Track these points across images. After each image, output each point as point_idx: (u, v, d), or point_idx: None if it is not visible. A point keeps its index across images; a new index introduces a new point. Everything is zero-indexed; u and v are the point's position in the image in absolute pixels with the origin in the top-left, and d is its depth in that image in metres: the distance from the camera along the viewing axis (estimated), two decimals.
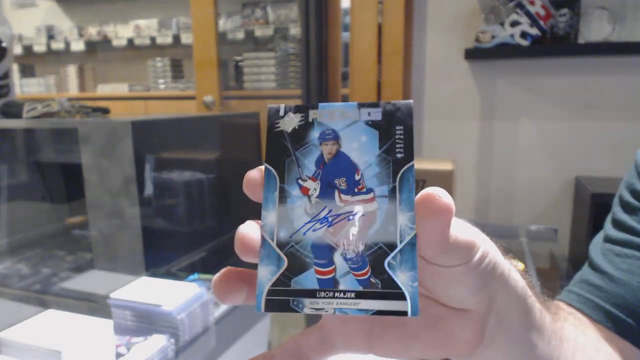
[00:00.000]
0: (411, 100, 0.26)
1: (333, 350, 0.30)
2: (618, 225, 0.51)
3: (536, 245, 1.67)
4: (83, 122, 1.21)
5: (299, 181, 0.25)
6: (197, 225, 1.39)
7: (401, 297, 0.23)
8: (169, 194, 1.30)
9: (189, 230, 1.36)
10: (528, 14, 1.83)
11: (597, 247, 0.52)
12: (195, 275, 1.02)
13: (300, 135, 0.26)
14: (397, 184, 0.24)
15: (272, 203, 0.25)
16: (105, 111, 1.42)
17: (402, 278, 0.23)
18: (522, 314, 0.30)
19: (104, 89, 3.55)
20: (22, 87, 3.67)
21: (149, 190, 1.18)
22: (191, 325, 0.85)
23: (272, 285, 0.23)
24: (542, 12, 1.82)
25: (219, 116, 2.06)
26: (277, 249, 0.24)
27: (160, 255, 1.23)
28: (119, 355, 0.76)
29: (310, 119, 0.26)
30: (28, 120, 1.32)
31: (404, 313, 0.23)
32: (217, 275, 0.25)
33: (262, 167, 0.25)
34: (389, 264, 0.23)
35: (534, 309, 0.31)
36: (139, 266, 1.15)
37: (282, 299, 0.23)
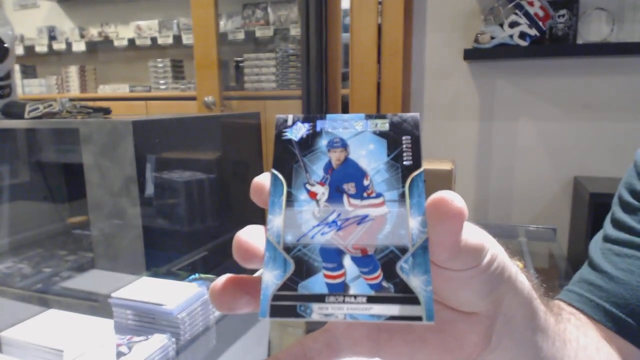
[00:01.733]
0: (417, 113, 0.26)
1: (339, 354, 0.29)
2: (617, 225, 0.51)
3: (535, 245, 1.68)
4: (84, 123, 1.21)
5: (307, 186, 0.25)
6: (198, 225, 1.40)
7: (415, 301, 0.22)
8: (169, 193, 1.31)
9: (189, 230, 1.37)
10: (527, 14, 1.84)
11: (596, 247, 0.52)
12: (196, 275, 1.03)
13: (308, 142, 0.26)
14: (406, 189, 0.24)
15: (279, 207, 0.24)
16: (107, 111, 1.43)
17: (415, 282, 0.22)
18: (528, 317, 0.30)
19: (105, 90, 3.56)
20: (24, 88, 3.68)
21: (149, 190, 1.19)
22: (192, 325, 0.86)
23: (278, 290, 0.22)
24: (541, 13, 1.83)
25: (220, 116, 2.07)
26: (284, 253, 0.23)
27: (161, 254, 1.24)
28: (120, 354, 0.76)
29: (318, 129, 0.26)
30: (30, 121, 1.33)
31: (419, 318, 0.22)
32: (215, 283, 0.24)
33: (269, 173, 0.25)
34: (401, 267, 0.22)
35: (539, 311, 0.31)
36: (139, 266, 1.16)
37: (288, 305, 0.22)
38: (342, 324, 0.30)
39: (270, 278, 0.23)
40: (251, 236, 0.23)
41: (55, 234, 1.56)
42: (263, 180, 0.25)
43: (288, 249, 0.23)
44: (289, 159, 0.25)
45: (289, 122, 0.26)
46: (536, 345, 0.31)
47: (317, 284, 0.23)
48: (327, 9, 2.02)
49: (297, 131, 0.26)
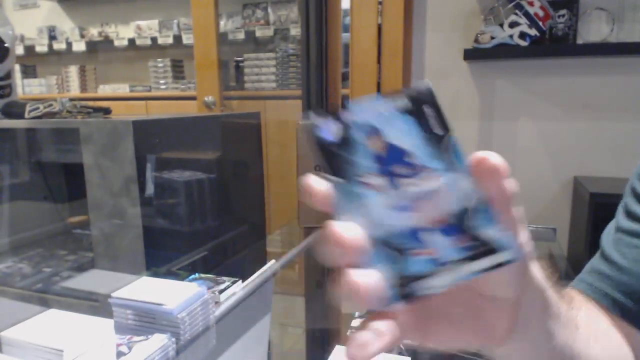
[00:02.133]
0: (429, 81, 0.28)
1: (399, 339, 0.31)
2: (630, 215, 0.53)
3: (535, 245, 1.68)
4: (84, 122, 1.21)
5: (362, 180, 0.25)
6: (198, 224, 1.40)
7: (500, 248, 0.25)
8: (169, 193, 1.31)
9: (189, 230, 1.37)
10: (527, 14, 1.84)
11: (608, 237, 0.54)
12: (196, 275, 1.03)
13: (344, 139, 0.26)
14: (448, 155, 0.26)
15: (346, 206, 0.25)
16: (107, 111, 1.43)
17: (491, 233, 0.25)
18: (543, 305, 0.32)
19: (105, 90, 3.56)
20: (24, 88, 3.68)
21: (149, 189, 1.19)
22: (192, 325, 0.86)
23: (391, 280, 0.24)
24: (541, 13, 1.83)
25: (220, 116, 2.07)
26: (374, 247, 0.25)
27: (161, 254, 1.24)
28: (120, 354, 0.76)
29: (346, 121, 0.26)
30: (30, 121, 1.33)
31: (510, 261, 0.25)
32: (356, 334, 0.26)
33: (320, 177, 0.26)
34: (475, 225, 0.25)
35: (553, 299, 0.33)
36: (139, 265, 1.16)
37: (406, 291, 0.25)
38: (400, 312, 0.31)
39: (379, 273, 0.24)
40: (354, 231, 0.24)
41: (55, 233, 1.56)
42: (318, 184, 0.25)
43: (373, 242, 0.25)
44: (334, 159, 0.26)
45: (319, 124, 0.27)
46: (550, 332, 0.33)
47: (414, 264, 0.25)
48: (327, 9, 2.02)
49: (329, 130, 0.26)
